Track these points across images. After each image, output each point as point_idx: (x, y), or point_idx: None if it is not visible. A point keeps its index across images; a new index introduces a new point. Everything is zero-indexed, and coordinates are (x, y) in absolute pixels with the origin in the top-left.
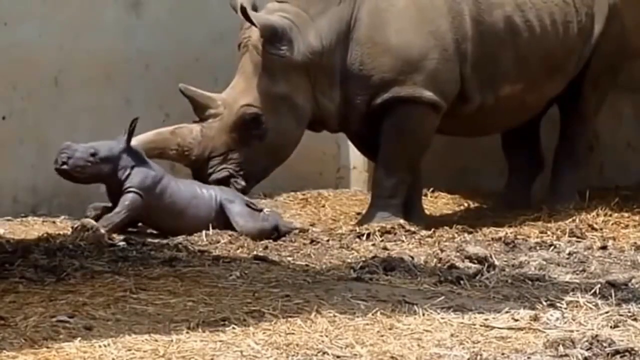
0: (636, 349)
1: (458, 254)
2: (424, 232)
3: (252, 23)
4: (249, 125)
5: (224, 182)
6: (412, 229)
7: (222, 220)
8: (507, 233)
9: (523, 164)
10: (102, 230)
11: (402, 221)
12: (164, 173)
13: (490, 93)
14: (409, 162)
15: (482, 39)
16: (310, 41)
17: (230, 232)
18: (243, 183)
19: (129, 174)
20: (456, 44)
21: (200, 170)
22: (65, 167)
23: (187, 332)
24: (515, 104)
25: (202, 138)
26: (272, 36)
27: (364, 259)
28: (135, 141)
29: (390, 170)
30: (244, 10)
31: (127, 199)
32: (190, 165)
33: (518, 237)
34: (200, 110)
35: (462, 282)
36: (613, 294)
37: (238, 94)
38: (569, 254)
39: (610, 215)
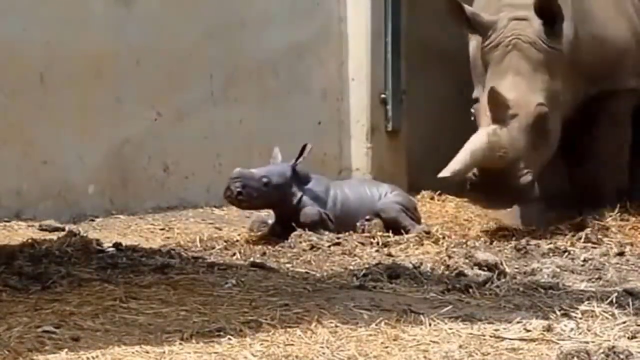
0: None
1: (467, 260)
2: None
3: (553, 21)
4: (541, 125)
5: (529, 186)
6: None
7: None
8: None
9: None
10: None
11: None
12: (329, 185)
13: None
14: (622, 149)
15: None
16: (566, 31)
17: (226, 238)
18: (538, 190)
19: (300, 199)
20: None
21: (507, 175)
22: (240, 197)
23: (180, 344)
24: None
25: (511, 140)
26: (559, 30)
27: (367, 265)
28: (472, 145)
29: (607, 160)
30: (553, 5)
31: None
32: (502, 170)
33: (530, 243)
34: (502, 112)
35: (471, 290)
36: (630, 303)
37: (526, 94)
38: (584, 260)
39: (628, 220)
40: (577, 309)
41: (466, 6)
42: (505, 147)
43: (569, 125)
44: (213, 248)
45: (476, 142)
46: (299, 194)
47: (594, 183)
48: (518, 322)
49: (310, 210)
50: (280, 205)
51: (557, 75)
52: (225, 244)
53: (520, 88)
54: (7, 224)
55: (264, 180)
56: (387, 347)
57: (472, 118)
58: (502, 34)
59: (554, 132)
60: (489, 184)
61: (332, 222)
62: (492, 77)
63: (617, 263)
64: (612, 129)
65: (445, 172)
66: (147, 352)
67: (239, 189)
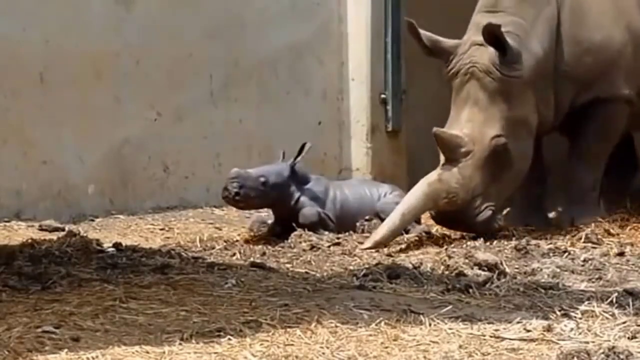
0: None
1: (467, 260)
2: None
3: (503, 48)
4: (500, 157)
5: (489, 221)
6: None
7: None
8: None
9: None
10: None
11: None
12: (328, 185)
13: None
14: (606, 157)
15: None
16: (534, 50)
17: (226, 238)
18: (502, 220)
19: (298, 199)
20: None
21: (462, 213)
22: (238, 197)
23: (180, 344)
24: None
25: (462, 180)
26: (512, 57)
27: (367, 266)
28: (411, 200)
29: (593, 167)
30: (497, 35)
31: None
32: (453, 210)
33: (530, 243)
34: (451, 152)
35: (471, 290)
36: (631, 303)
37: (482, 126)
38: (584, 260)
39: (628, 220)
40: (577, 309)
41: (424, 32)
42: (452, 192)
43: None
44: (213, 248)
45: (410, 201)
46: (297, 194)
47: (578, 184)
48: (518, 322)
49: (308, 210)
50: (279, 205)
51: (520, 99)
52: (225, 244)
53: (476, 121)
54: (7, 224)
55: (262, 179)
56: (387, 347)
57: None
58: (461, 60)
59: (520, 157)
60: (449, 220)
61: (333, 222)
62: (454, 107)
63: (617, 263)
64: (601, 135)
65: (367, 244)
66: (147, 352)
67: (236, 190)
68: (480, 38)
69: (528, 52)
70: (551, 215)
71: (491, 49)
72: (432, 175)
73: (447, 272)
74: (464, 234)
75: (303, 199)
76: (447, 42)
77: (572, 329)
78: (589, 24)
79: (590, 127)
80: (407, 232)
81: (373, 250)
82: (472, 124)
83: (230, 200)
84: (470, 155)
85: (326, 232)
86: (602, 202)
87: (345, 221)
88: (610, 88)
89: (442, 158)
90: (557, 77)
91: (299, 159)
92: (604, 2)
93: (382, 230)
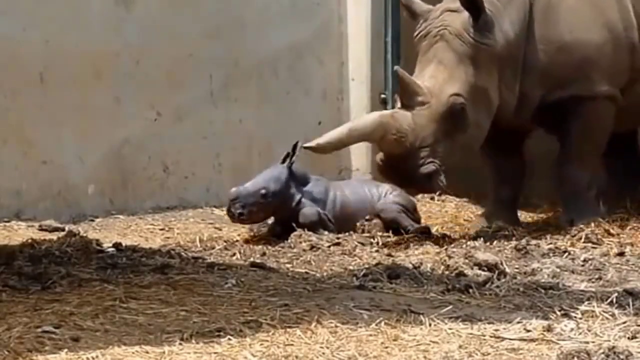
0: None
1: (467, 260)
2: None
3: (478, 14)
4: (456, 116)
5: (431, 177)
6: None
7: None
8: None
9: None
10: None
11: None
12: (328, 186)
13: (632, 89)
14: (598, 154)
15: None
16: (506, 30)
17: (226, 238)
18: (445, 181)
19: (299, 201)
20: (625, 34)
21: (407, 161)
22: (242, 217)
23: (180, 344)
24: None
25: (414, 125)
26: (485, 24)
27: (367, 266)
28: (364, 121)
29: (585, 166)
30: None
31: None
32: (399, 154)
33: (530, 243)
34: (408, 97)
35: (471, 290)
36: (631, 303)
37: (443, 83)
38: (584, 260)
39: (628, 220)
40: (577, 309)
41: None
42: (402, 132)
43: (535, 123)
44: (213, 248)
45: (360, 121)
46: (298, 196)
47: (572, 185)
48: (518, 322)
49: (308, 210)
50: (281, 208)
51: (486, 70)
52: (225, 244)
53: (439, 78)
54: (7, 224)
55: (262, 192)
56: (387, 347)
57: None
58: (432, 24)
59: (476, 126)
60: (393, 169)
61: (332, 223)
62: (418, 67)
63: (617, 263)
64: (586, 133)
65: (309, 144)
66: (147, 352)
67: (239, 211)
68: (453, 5)
69: (499, 30)
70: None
71: (464, 15)
72: (387, 112)
73: (447, 272)
74: (464, 234)
75: (304, 200)
76: (421, 5)
77: (572, 329)
78: (563, 23)
79: (575, 126)
80: (407, 232)
81: (373, 250)
82: (434, 79)
83: (236, 221)
84: (427, 106)
85: (326, 232)
86: (601, 201)
87: (345, 221)
88: (589, 86)
89: (396, 106)
90: (526, 70)
91: (293, 159)
92: (579, 1)
93: (327, 135)
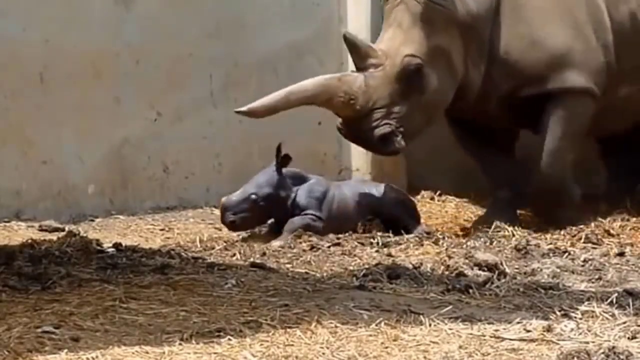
0: None
1: (467, 260)
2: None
3: None
4: (411, 77)
5: (387, 138)
6: None
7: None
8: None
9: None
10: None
11: None
12: (327, 186)
13: (615, 90)
14: (573, 151)
15: (614, 31)
16: (468, 3)
17: (225, 239)
18: (403, 143)
19: (294, 200)
20: (596, 34)
21: (361, 123)
22: (235, 224)
23: (180, 344)
24: (627, 106)
25: (366, 88)
26: None
27: (367, 266)
28: (304, 85)
29: (560, 162)
30: None
31: (299, 223)
32: (351, 117)
33: (530, 243)
34: (360, 59)
35: (471, 290)
36: (631, 304)
37: (399, 45)
38: (584, 261)
39: (628, 220)
40: (577, 309)
41: None
42: (351, 95)
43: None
44: (213, 248)
45: (300, 85)
46: (292, 195)
47: (545, 182)
48: (518, 323)
49: (297, 220)
50: (277, 210)
51: (445, 33)
52: (225, 244)
53: (395, 40)
54: (7, 224)
55: (252, 197)
56: (387, 348)
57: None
58: None
59: (437, 88)
60: (350, 131)
61: (322, 220)
62: (381, 32)
63: (618, 263)
64: (561, 129)
65: (242, 108)
66: (147, 353)
67: (231, 219)
68: None
69: (461, 0)
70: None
71: None
72: (334, 75)
73: (447, 273)
74: (464, 234)
75: (299, 198)
76: None
77: (572, 329)
78: (532, 20)
79: (550, 122)
80: (407, 232)
81: (373, 251)
82: (391, 42)
83: (230, 229)
84: (381, 68)
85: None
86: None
87: (344, 221)
88: (561, 82)
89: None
90: (496, 60)
91: (279, 160)
92: (547, 1)
93: (261, 100)
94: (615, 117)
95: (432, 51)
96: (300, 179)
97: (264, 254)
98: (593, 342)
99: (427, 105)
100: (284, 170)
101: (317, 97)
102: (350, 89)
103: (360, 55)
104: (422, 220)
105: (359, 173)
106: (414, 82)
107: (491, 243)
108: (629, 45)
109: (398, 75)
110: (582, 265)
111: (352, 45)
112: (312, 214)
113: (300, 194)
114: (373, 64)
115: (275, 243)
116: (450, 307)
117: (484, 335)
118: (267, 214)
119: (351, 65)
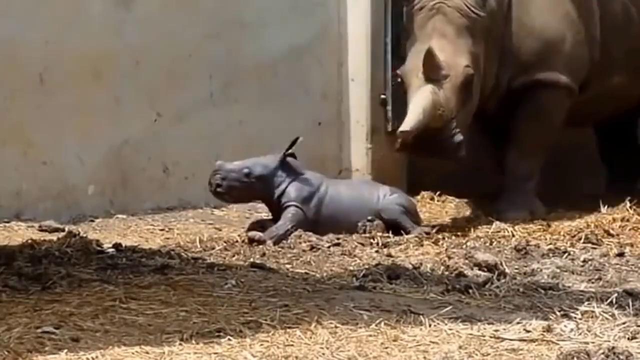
0: None
1: (466, 261)
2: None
3: None
4: (469, 86)
5: (461, 145)
6: None
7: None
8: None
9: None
10: (269, 242)
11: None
12: (321, 182)
13: (602, 82)
14: (544, 145)
15: (604, 24)
16: (491, 3)
17: (225, 239)
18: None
19: (285, 190)
20: (586, 28)
21: (442, 132)
22: (219, 189)
23: (180, 344)
24: (615, 97)
25: (445, 99)
26: None
27: (367, 266)
28: (422, 101)
29: (526, 153)
30: None
31: (288, 212)
32: (439, 127)
33: (530, 243)
34: (434, 71)
35: (470, 291)
36: (631, 304)
37: (453, 56)
38: (584, 261)
39: (628, 220)
40: (577, 309)
41: None
42: (442, 106)
43: (501, 111)
44: (213, 249)
45: (424, 99)
46: (284, 186)
47: (510, 170)
48: (518, 323)
49: (281, 227)
50: (264, 197)
51: (479, 40)
52: (225, 244)
53: (447, 51)
54: (7, 224)
55: (245, 171)
56: (386, 348)
57: (399, 80)
58: None
59: (476, 94)
60: (420, 143)
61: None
62: (418, 41)
63: (617, 264)
64: (536, 122)
65: (405, 127)
66: (147, 353)
67: (217, 182)
68: None
69: (488, 4)
70: None
71: None
72: (429, 87)
73: (447, 273)
74: (464, 234)
75: (288, 191)
76: None
77: (572, 330)
78: (532, 9)
79: (525, 113)
80: (407, 232)
81: (373, 251)
82: (444, 53)
83: (213, 193)
84: (448, 79)
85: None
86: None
87: (337, 220)
88: (549, 73)
89: (414, 83)
90: (503, 54)
91: (291, 150)
92: None
93: (408, 120)
94: (609, 103)
95: (474, 59)
96: (295, 174)
97: (264, 254)
98: (593, 342)
99: (471, 112)
100: (289, 160)
101: (432, 112)
102: (441, 101)
103: (436, 67)
104: (422, 222)
105: (359, 173)
106: (469, 90)
107: (491, 243)
108: (620, 35)
109: (461, 86)
110: (582, 266)
111: (432, 57)
112: (294, 205)
113: (292, 186)
114: (443, 75)
115: (269, 235)
116: (450, 307)
117: (484, 336)
118: (254, 193)
119: (351, 66)
